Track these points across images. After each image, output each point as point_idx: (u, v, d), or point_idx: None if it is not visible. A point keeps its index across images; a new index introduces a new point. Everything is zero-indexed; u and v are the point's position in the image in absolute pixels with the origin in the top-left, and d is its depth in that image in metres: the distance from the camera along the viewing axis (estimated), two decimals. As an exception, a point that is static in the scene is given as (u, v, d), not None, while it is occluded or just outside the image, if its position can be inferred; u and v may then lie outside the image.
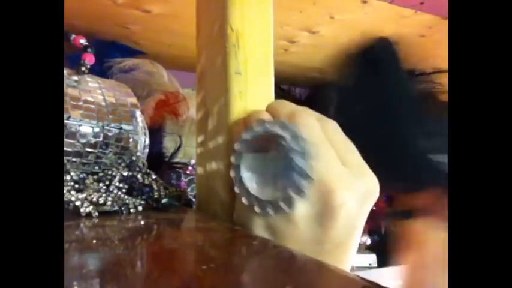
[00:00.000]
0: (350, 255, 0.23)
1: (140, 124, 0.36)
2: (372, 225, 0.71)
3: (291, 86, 0.90)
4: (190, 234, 0.23)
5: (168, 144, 0.64)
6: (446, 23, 0.63)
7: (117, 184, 0.30)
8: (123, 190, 0.30)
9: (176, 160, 0.63)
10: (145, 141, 0.37)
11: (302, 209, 0.21)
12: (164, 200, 0.30)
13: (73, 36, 0.38)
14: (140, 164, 0.32)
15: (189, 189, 0.62)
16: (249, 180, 0.22)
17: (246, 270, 0.15)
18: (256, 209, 0.21)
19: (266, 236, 0.21)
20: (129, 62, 0.61)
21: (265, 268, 0.15)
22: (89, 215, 0.26)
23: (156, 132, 0.60)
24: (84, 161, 0.33)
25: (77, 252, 0.16)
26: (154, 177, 0.32)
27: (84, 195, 0.27)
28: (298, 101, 0.85)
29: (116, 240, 0.19)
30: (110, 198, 0.28)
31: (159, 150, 0.61)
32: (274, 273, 0.14)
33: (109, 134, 0.33)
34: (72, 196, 0.26)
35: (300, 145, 0.20)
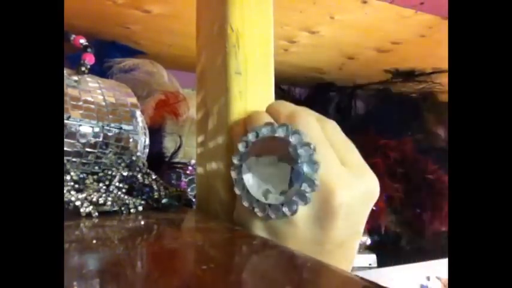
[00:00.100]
0: (351, 255, 0.23)
1: (140, 124, 0.36)
2: (372, 225, 0.71)
3: (291, 86, 0.90)
4: (190, 234, 0.23)
5: (168, 144, 0.64)
6: (446, 23, 0.63)
7: (117, 184, 0.30)
8: (123, 190, 0.30)
9: (176, 160, 0.63)
10: (145, 141, 0.37)
11: (302, 209, 0.21)
12: (164, 200, 0.30)
13: (73, 36, 0.38)
14: (140, 164, 0.32)
15: (189, 189, 0.62)
16: (251, 182, 0.22)
17: (246, 270, 0.15)
18: (257, 211, 0.21)
19: (266, 237, 0.21)
20: (129, 62, 0.61)
21: (265, 268, 0.15)
22: (89, 215, 0.26)
23: (156, 132, 0.60)
24: (84, 161, 0.33)
25: (77, 252, 0.16)
26: (154, 177, 0.32)
27: (84, 195, 0.27)
28: (298, 101, 0.85)
29: (116, 240, 0.19)
30: (110, 198, 0.28)
31: (159, 150, 0.62)
32: (274, 273, 0.14)
33: (109, 134, 0.33)
34: (72, 196, 0.26)
35: (307, 152, 0.20)
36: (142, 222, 0.25)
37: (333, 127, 0.23)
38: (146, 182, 0.31)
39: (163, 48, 0.69)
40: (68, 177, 0.29)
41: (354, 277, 0.13)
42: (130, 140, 0.35)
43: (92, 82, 0.36)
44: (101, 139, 0.33)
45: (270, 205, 0.21)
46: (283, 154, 0.21)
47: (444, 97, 0.90)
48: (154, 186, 0.31)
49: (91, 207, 0.26)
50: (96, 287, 0.12)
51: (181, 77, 0.67)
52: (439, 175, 0.74)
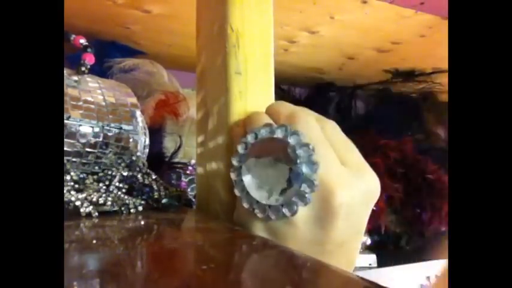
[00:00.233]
0: (353, 255, 0.23)
1: (140, 124, 0.36)
2: (372, 225, 0.71)
3: (291, 86, 0.90)
4: (190, 234, 0.23)
5: (168, 144, 0.64)
6: (446, 23, 0.63)
7: (117, 184, 0.30)
8: (123, 190, 0.30)
9: (176, 160, 0.63)
10: (145, 141, 0.37)
11: (302, 210, 0.21)
12: (164, 200, 0.30)
13: (73, 36, 0.38)
14: (140, 164, 0.32)
15: (189, 189, 0.62)
16: (250, 183, 0.22)
17: (246, 270, 0.15)
18: (257, 212, 0.21)
19: (266, 237, 0.21)
20: (129, 62, 0.61)
21: (265, 268, 0.15)
22: (89, 215, 0.26)
23: (156, 132, 0.60)
24: (84, 161, 0.33)
25: (77, 252, 0.16)
26: (154, 177, 0.32)
27: (84, 195, 0.27)
28: (298, 101, 0.85)
29: (116, 240, 0.19)
30: (110, 198, 0.28)
31: (159, 150, 0.61)
32: (274, 273, 0.14)
33: (109, 134, 0.33)
34: (72, 196, 0.26)
35: (306, 153, 0.20)
36: (142, 222, 0.25)
37: (332, 127, 0.23)
38: (146, 182, 0.31)
39: (163, 48, 0.69)
40: (68, 177, 0.29)
41: (354, 277, 0.13)
42: (130, 140, 0.35)
43: (92, 82, 0.36)
44: (101, 139, 0.33)
45: (270, 206, 0.21)
46: (282, 155, 0.21)
47: (444, 97, 0.90)
48: (154, 186, 0.31)
49: (91, 207, 0.26)
50: (96, 287, 0.12)
51: (181, 77, 0.67)
52: (439, 175, 0.74)
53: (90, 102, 0.34)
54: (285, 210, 0.20)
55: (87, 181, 0.30)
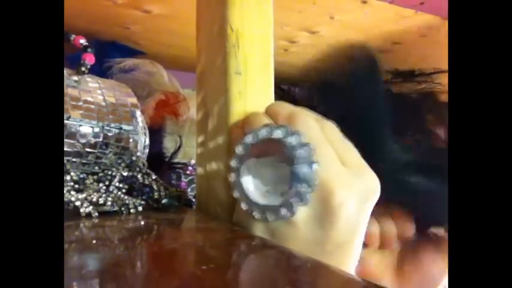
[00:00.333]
0: (353, 255, 0.23)
1: (140, 124, 0.36)
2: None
3: (291, 86, 0.90)
4: (190, 235, 0.23)
5: (168, 144, 0.64)
6: (446, 23, 0.63)
7: (117, 184, 0.30)
8: (123, 190, 0.30)
9: (176, 160, 0.63)
10: (145, 141, 0.37)
11: (302, 210, 0.20)
12: (164, 200, 0.30)
13: (73, 36, 0.38)
14: (140, 164, 0.32)
15: (189, 189, 0.62)
16: (249, 184, 0.22)
17: (246, 271, 0.15)
18: (256, 214, 0.21)
19: (266, 238, 0.21)
20: (129, 62, 0.61)
21: (265, 268, 0.15)
22: (89, 215, 0.26)
23: (156, 132, 0.60)
24: (84, 161, 0.33)
25: (77, 252, 0.16)
26: (154, 177, 0.32)
27: (84, 195, 0.27)
28: (298, 101, 0.85)
29: (116, 240, 0.19)
30: (110, 199, 0.28)
31: (159, 151, 0.61)
32: (274, 274, 0.14)
33: (109, 134, 0.33)
34: (72, 196, 0.26)
35: (306, 153, 0.20)
36: (142, 223, 0.25)
37: (331, 127, 0.23)
38: (146, 182, 0.31)
39: (163, 48, 0.69)
40: (68, 178, 0.29)
41: (354, 277, 0.13)
42: (131, 140, 0.35)
43: (92, 82, 0.36)
44: (101, 139, 0.33)
45: (269, 207, 0.21)
46: (281, 155, 0.21)
47: (444, 97, 0.89)
48: (154, 187, 0.31)
49: (91, 207, 0.26)
50: (96, 287, 0.12)
51: (181, 77, 0.67)
52: (439, 175, 0.73)
53: (90, 102, 0.34)
54: (284, 211, 0.20)
55: (87, 181, 0.30)
